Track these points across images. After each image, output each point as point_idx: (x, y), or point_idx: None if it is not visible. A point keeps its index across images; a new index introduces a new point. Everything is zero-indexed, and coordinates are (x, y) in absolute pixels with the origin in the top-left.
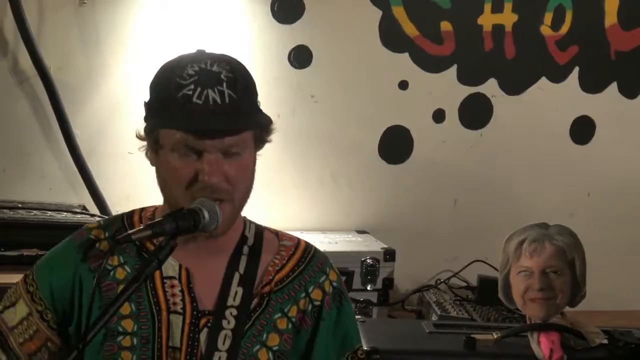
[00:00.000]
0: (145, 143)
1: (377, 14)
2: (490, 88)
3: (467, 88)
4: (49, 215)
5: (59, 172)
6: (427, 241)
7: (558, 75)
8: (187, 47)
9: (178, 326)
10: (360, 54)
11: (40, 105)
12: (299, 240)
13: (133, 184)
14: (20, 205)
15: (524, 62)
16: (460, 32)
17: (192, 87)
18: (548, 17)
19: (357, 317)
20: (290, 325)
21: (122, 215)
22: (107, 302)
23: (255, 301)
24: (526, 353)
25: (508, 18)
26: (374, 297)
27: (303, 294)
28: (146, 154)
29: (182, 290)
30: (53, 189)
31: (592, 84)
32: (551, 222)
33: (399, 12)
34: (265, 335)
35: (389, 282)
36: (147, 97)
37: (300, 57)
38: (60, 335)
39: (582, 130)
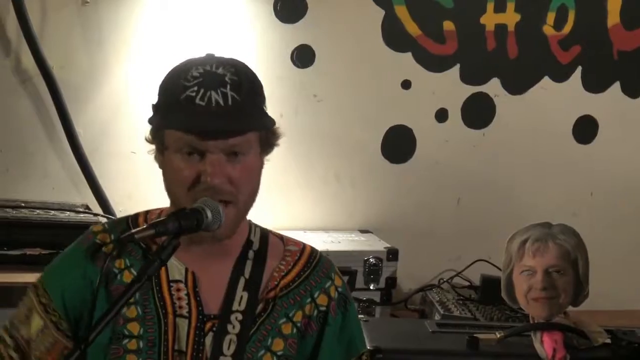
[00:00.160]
0: (154, 147)
1: (380, 13)
2: (493, 87)
3: (469, 87)
4: (52, 215)
5: (61, 171)
6: (430, 241)
7: (561, 74)
8: (190, 47)
9: (184, 330)
10: (363, 53)
11: (42, 104)
12: (304, 245)
13: (136, 183)
14: (23, 205)
15: (527, 61)
16: (462, 32)
17: (195, 88)
18: (551, 17)
19: (360, 316)
20: (295, 330)
21: (126, 218)
22: None
23: (260, 306)
24: (529, 352)
25: (511, 18)
26: (377, 297)
27: (309, 299)
28: (155, 157)
29: (188, 294)
30: (56, 189)
31: (594, 84)
32: (554, 221)
33: (402, 12)
34: (270, 340)
35: (391, 281)
36: (151, 96)
37: (303, 56)
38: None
39: (585, 129)
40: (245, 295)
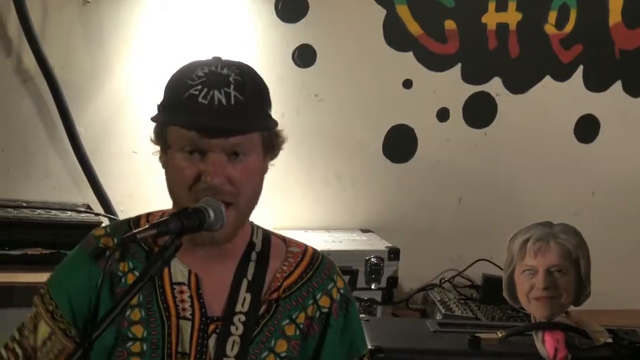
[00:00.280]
0: (158, 148)
1: (381, 12)
2: (495, 87)
3: (471, 87)
4: (53, 214)
5: (63, 171)
6: (432, 240)
7: (562, 74)
8: (191, 46)
9: (187, 332)
10: (365, 52)
11: (44, 104)
12: (306, 246)
13: (137, 182)
14: (24, 204)
15: (529, 60)
16: (464, 31)
17: (199, 87)
18: (552, 16)
19: (361, 316)
20: (297, 332)
21: (128, 220)
22: None
23: (263, 308)
24: (531, 352)
25: (512, 17)
26: (378, 296)
27: (311, 301)
28: (159, 157)
29: (191, 296)
30: (57, 188)
31: (596, 83)
32: (556, 221)
33: (403, 11)
34: (273, 342)
35: (393, 281)
36: (152, 96)
37: (304, 56)
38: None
39: (587, 129)
40: (248, 297)
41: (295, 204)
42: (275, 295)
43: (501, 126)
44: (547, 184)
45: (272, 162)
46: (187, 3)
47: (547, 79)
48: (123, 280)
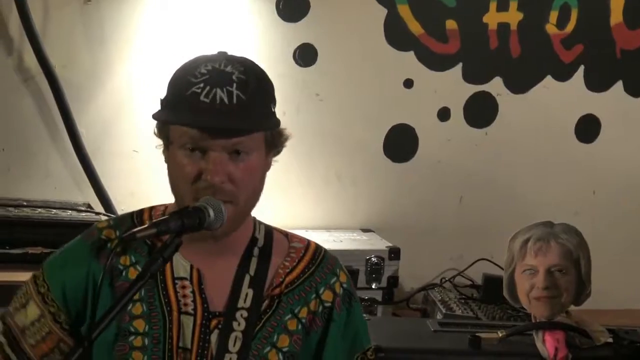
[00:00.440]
0: (162, 143)
1: (382, 12)
2: (496, 86)
3: (472, 86)
4: (54, 213)
5: (64, 170)
6: (432, 239)
7: (563, 73)
8: (192, 45)
9: (189, 327)
10: (365, 52)
11: (45, 103)
12: (308, 241)
13: (138, 181)
14: (25, 203)
15: (530, 60)
16: (465, 31)
17: (201, 85)
18: (553, 16)
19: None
20: (300, 327)
21: (131, 214)
22: None
23: (265, 303)
24: (531, 352)
25: (513, 16)
26: (378, 296)
27: (313, 295)
28: (163, 151)
29: (193, 291)
30: (58, 188)
31: (597, 83)
32: (556, 220)
33: (404, 11)
34: (275, 337)
35: (393, 280)
36: (154, 95)
37: (305, 55)
38: (73, 335)
39: (588, 128)
40: (251, 292)
41: (296, 204)
42: (277, 290)
43: (502, 126)
44: (548, 184)
45: (275, 159)
46: (188, 2)
47: (548, 78)
48: (124, 273)
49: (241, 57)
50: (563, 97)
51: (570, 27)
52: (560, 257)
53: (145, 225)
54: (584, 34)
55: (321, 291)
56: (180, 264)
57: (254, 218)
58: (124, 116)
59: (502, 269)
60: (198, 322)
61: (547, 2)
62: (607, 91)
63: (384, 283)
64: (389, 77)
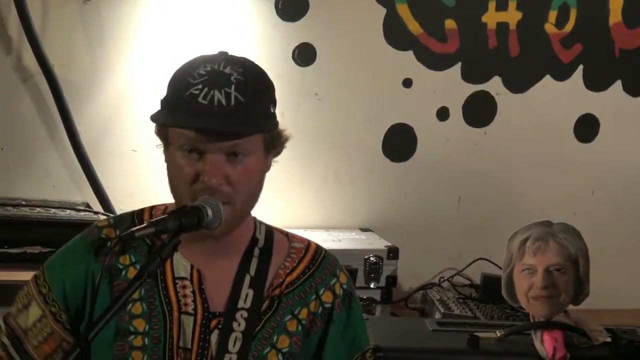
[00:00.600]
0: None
1: (381, 11)
2: (495, 86)
3: (471, 86)
4: (53, 213)
5: (62, 169)
6: (431, 239)
7: (562, 73)
8: (192, 45)
9: (189, 327)
10: (364, 51)
11: (44, 102)
12: (309, 242)
13: (137, 181)
14: (23, 203)
15: (528, 60)
16: (464, 30)
17: (199, 86)
18: (552, 15)
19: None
20: (300, 328)
21: (132, 213)
22: None
23: (265, 304)
24: (529, 351)
25: (512, 16)
26: (377, 295)
27: (314, 296)
28: (163, 151)
29: (193, 291)
30: (57, 187)
31: (596, 82)
32: (555, 220)
33: (403, 10)
34: (275, 338)
35: (392, 280)
36: (152, 95)
37: (304, 54)
38: (75, 334)
39: (586, 128)
40: (251, 292)
41: (295, 203)
42: (277, 291)
43: (501, 125)
44: (547, 183)
45: (274, 159)
46: (187, 2)
47: (547, 78)
48: (124, 273)
49: (241, 58)
50: (562, 97)
51: (569, 26)
52: (559, 257)
53: (144, 225)
54: (583, 34)
55: (321, 292)
56: (181, 264)
57: (255, 218)
58: (123, 115)
59: (500, 268)
60: (198, 322)
61: (546, 2)
62: (605, 91)
63: (382, 282)
64: (388, 76)
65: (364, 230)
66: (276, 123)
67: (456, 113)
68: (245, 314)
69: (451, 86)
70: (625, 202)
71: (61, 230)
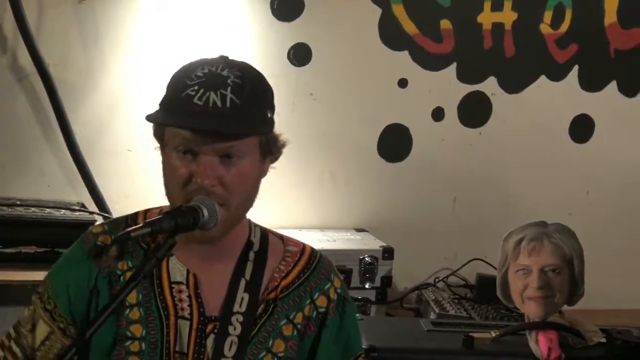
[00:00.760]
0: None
1: (377, 11)
2: (490, 86)
3: (466, 86)
4: (47, 213)
5: (57, 169)
6: (426, 239)
7: (557, 73)
8: (187, 45)
9: (185, 331)
10: (360, 51)
11: (39, 102)
12: (304, 245)
13: (132, 181)
14: (18, 203)
15: (524, 60)
16: (460, 30)
17: (196, 88)
18: (548, 16)
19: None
20: (295, 332)
21: (126, 217)
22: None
23: (261, 307)
24: (524, 351)
25: (508, 16)
26: (372, 296)
27: (308, 301)
28: (160, 152)
29: (189, 296)
30: (52, 187)
31: (591, 83)
32: (550, 220)
33: (399, 10)
34: (271, 342)
35: (387, 280)
36: (148, 95)
37: (299, 54)
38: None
39: (582, 128)
40: (246, 296)
41: (290, 203)
42: (273, 295)
43: (496, 126)
44: (542, 184)
45: (272, 165)
46: (182, 2)
47: (542, 78)
48: (122, 279)
49: (241, 62)
50: (557, 97)
51: (564, 27)
52: (554, 257)
53: (139, 225)
54: (578, 34)
55: (316, 296)
56: (177, 268)
57: (250, 221)
58: (118, 115)
59: (495, 268)
60: (194, 326)
61: (541, 2)
62: (601, 91)
63: (377, 283)
64: (384, 76)
65: (359, 230)
66: (272, 127)
67: (451, 113)
68: (240, 318)
69: (446, 86)
70: (620, 203)
71: (56, 230)
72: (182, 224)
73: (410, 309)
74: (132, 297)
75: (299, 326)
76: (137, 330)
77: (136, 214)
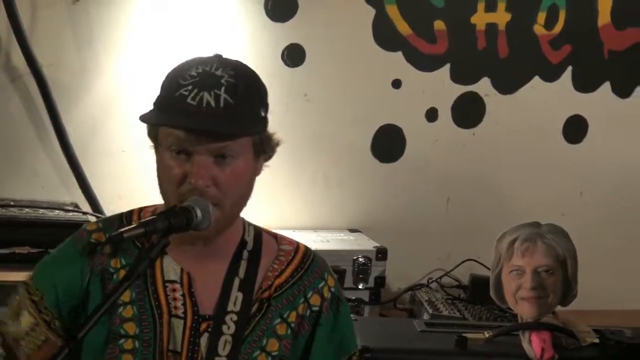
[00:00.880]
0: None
1: (371, 12)
2: (484, 87)
3: (460, 87)
4: (41, 213)
5: (51, 170)
6: (420, 240)
7: (551, 74)
8: (181, 46)
9: (179, 330)
10: (354, 52)
11: (32, 103)
12: (297, 244)
13: (126, 181)
14: (12, 203)
15: (517, 61)
16: (453, 31)
17: (189, 87)
18: (541, 17)
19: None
20: (289, 331)
21: (120, 215)
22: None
23: (255, 306)
24: (518, 352)
25: (501, 17)
26: (365, 296)
27: (302, 299)
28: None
29: (183, 295)
30: (45, 187)
31: (585, 84)
32: (543, 221)
33: (393, 11)
34: (265, 341)
35: (380, 280)
36: (141, 96)
37: (293, 55)
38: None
39: (575, 129)
40: (240, 296)
41: (284, 204)
42: (266, 294)
43: (490, 126)
44: (535, 184)
45: (266, 164)
46: (176, 3)
47: (536, 79)
48: (115, 277)
49: (235, 61)
50: (551, 98)
51: (558, 28)
52: (547, 258)
53: (133, 225)
54: (571, 35)
55: (309, 295)
56: (171, 267)
57: (244, 220)
58: (112, 116)
59: (489, 269)
60: (188, 325)
61: (535, 3)
62: (594, 92)
63: (371, 283)
64: (377, 77)
65: (352, 231)
66: (265, 126)
67: (445, 114)
68: (234, 317)
69: (440, 87)
70: (613, 204)
71: (50, 231)
72: (176, 225)
73: (404, 309)
74: (126, 296)
75: (292, 325)
76: (131, 328)
77: (131, 212)
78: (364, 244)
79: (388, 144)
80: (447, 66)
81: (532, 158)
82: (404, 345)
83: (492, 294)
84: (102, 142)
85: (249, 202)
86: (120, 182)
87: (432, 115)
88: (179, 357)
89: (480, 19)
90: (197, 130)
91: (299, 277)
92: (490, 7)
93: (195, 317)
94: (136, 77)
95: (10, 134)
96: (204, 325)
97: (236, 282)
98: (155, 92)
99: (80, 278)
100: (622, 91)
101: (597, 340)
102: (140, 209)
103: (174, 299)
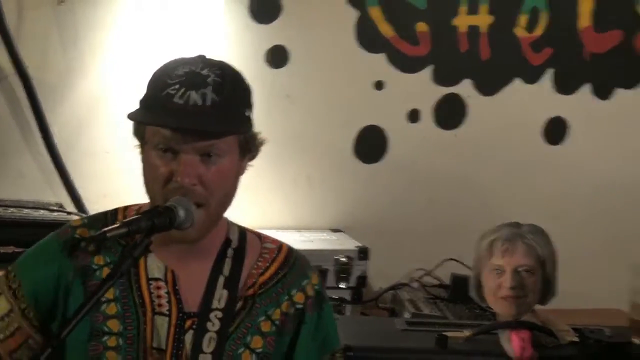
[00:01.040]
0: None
1: (354, 14)
2: (465, 88)
3: (442, 88)
4: (26, 213)
5: (36, 170)
6: (401, 240)
7: (532, 76)
8: (165, 47)
9: (163, 327)
10: (337, 54)
11: (18, 103)
12: (281, 243)
13: (111, 182)
14: None
15: (499, 63)
16: (436, 33)
17: (176, 87)
18: (523, 19)
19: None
20: (274, 328)
21: (105, 213)
22: None
23: (239, 304)
24: (497, 351)
25: (483, 19)
26: (347, 295)
27: (286, 297)
28: (140, 152)
29: (168, 292)
30: (30, 188)
31: (565, 85)
32: (524, 221)
33: (375, 13)
34: (249, 338)
35: (362, 280)
36: (126, 96)
37: (276, 56)
38: (42, 333)
39: (556, 130)
40: (225, 293)
41: (266, 204)
42: (251, 291)
43: (471, 127)
44: (516, 185)
45: (250, 163)
46: (161, 3)
47: (517, 81)
48: (98, 273)
49: (219, 61)
50: (531, 99)
51: (539, 30)
52: (527, 258)
53: (116, 225)
54: (552, 38)
55: (293, 293)
56: (155, 265)
57: (227, 219)
58: (97, 117)
59: (470, 269)
60: (173, 322)
61: (516, 6)
62: (575, 93)
63: (352, 283)
64: (360, 78)
65: (334, 230)
66: (252, 125)
67: (427, 115)
68: (219, 314)
69: (422, 88)
70: (594, 204)
71: (34, 231)
72: (159, 224)
73: (385, 308)
74: (110, 293)
75: (277, 322)
76: (114, 325)
77: (116, 210)
78: (346, 243)
79: (370, 144)
80: (430, 68)
81: (513, 159)
82: (385, 344)
83: (472, 293)
84: (87, 142)
85: (232, 202)
86: (104, 182)
87: (414, 116)
88: (163, 355)
89: (462, 21)
90: (184, 129)
91: (283, 275)
92: (473, 9)
93: (180, 315)
94: (121, 77)
95: None
96: (188, 323)
97: (221, 279)
98: (141, 92)
99: (60, 273)
100: (603, 93)
101: (576, 339)
102: (125, 208)
103: (158, 296)
